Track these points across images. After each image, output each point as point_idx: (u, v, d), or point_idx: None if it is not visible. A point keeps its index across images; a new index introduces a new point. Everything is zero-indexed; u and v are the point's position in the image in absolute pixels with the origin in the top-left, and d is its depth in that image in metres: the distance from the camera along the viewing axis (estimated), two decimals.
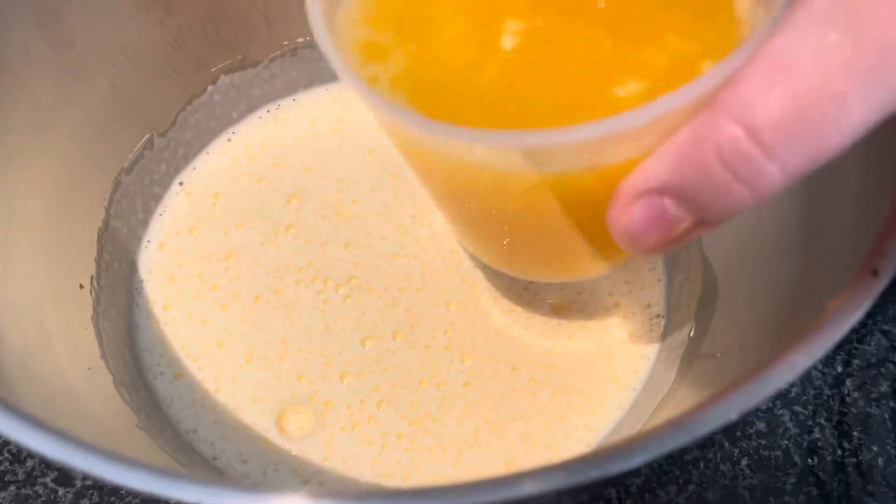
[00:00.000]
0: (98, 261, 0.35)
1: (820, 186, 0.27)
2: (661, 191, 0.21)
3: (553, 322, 0.37)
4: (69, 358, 0.30)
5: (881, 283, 0.19)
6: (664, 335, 0.35)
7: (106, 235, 0.36)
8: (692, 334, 0.34)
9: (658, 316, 0.35)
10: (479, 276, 0.38)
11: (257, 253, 0.39)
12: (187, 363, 0.35)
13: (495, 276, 0.38)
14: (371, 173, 0.42)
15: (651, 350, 0.35)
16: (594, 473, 0.18)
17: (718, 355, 0.30)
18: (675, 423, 0.18)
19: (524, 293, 0.37)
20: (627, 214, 0.22)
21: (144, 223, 0.39)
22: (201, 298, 0.38)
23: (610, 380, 0.34)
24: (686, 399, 0.29)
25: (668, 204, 0.21)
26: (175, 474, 0.18)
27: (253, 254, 0.39)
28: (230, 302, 0.38)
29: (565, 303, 0.37)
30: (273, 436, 0.34)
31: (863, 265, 0.19)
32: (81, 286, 0.34)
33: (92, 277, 0.34)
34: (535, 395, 0.34)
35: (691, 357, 0.32)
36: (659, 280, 0.37)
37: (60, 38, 0.34)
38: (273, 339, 0.37)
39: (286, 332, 0.37)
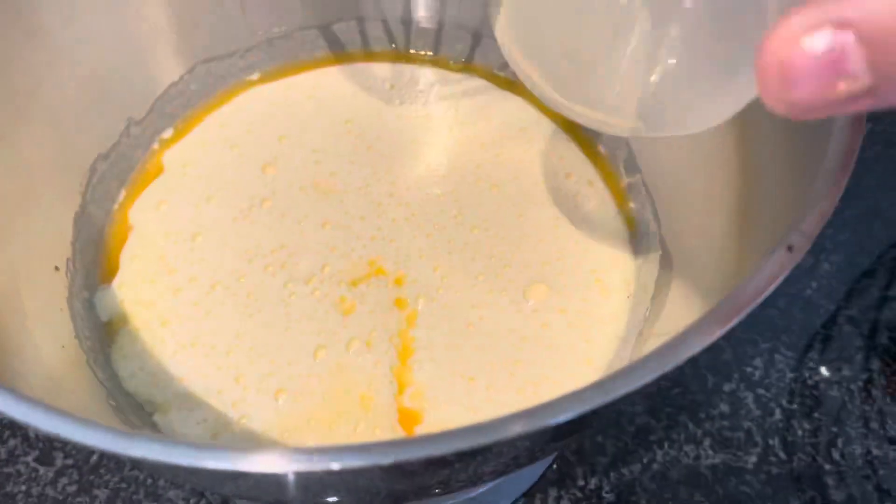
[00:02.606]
0: (73, 244, 0.36)
1: (755, 165, 0.29)
2: (853, 26, 0.17)
3: (529, 305, 0.36)
4: (44, 337, 0.31)
5: (795, 259, 0.20)
6: (631, 315, 0.35)
7: (82, 219, 0.37)
8: (647, 315, 0.35)
9: (629, 296, 0.36)
10: (453, 263, 0.38)
11: (228, 230, 0.39)
12: (136, 344, 0.35)
13: (470, 260, 0.38)
14: (348, 143, 0.42)
15: (623, 329, 0.35)
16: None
17: (668, 336, 0.31)
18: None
19: (497, 278, 0.37)
20: (792, 43, 0.17)
21: (119, 205, 0.40)
22: (157, 284, 0.37)
23: (586, 363, 0.35)
24: None
25: (853, 49, 0.17)
26: (162, 437, 0.19)
27: (223, 231, 0.39)
28: (185, 287, 0.37)
29: (543, 284, 0.37)
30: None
31: (780, 241, 0.21)
32: (57, 268, 0.35)
33: (67, 260, 0.35)
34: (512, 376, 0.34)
35: (646, 337, 0.33)
36: (632, 258, 0.38)
37: (36, 25, 0.35)
38: (226, 329, 0.36)
39: (241, 325, 0.36)
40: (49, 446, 0.42)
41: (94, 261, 0.37)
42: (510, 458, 0.26)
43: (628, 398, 0.19)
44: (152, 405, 0.34)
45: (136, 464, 0.25)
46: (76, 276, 0.35)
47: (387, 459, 0.19)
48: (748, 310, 0.20)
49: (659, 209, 0.37)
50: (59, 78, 0.36)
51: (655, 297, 0.35)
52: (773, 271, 0.20)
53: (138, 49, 0.40)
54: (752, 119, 0.30)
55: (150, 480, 0.41)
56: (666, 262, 0.35)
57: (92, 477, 0.42)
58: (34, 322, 0.31)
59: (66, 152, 0.37)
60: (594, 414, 0.20)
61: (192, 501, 0.41)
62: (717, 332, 0.19)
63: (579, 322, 0.36)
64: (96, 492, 0.41)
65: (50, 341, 0.32)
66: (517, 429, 0.19)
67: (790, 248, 0.20)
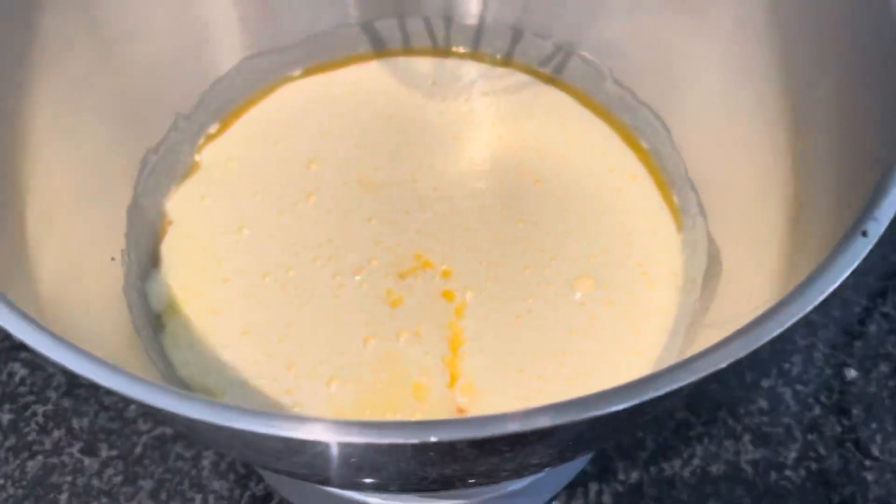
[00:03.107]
0: (128, 236, 0.36)
1: (809, 156, 0.29)
2: None
3: (576, 297, 0.37)
4: (105, 325, 0.31)
5: (868, 245, 0.20)
6: (680, 308, 0.36)
7: (135, 211, 0.37)
8: (696, 307, 0.35)
9: (676, 289, 0.36)
10: (500, 256, 0.38)
11: (274, 224, 0.39)
12: (189, 333, 0.36)
13: (517, 254, 0.38)
14: (390, 139, 0.42)
15: (671, 322, 0.36)
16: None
17: (720, 326, 0.31)
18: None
19: (544, 271, 0.38)
20: None
21: (168, 198, 0.40)
22: (205, 274, 0.37)
23: (635, 354, 0.35)
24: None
25: None
26: (210, 401, 0.19)
27: (269, 225, 0.39)
28: (233, 277, 0.37)
29: (589, 277, 0.37)
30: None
31: (854, 228, 0.21)
32: (113, 259, 0.35)
33: (122, 251, 0.36)
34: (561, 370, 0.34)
35: (696, 329, 0.33)
36: (678, 251, 0.38)
37: (91, 18, 0.35)
38: (277, 319, 0.36)
39: (291, 315, 0.36)
40: (93, 437, 0.43)
41: (146, 252, 0.38)
42: (557, 450, 0.26)
43: (707, 380, 0.19)
44: (207, 392, 0.34)
45: (194, 431, 0.25)
46: (131, 266, 0.36)
47: (448, 436, 0.19)
48: (825, 294, 0.20)
49: (704, 202, 0.38)
50: (112, 71, 0.36)
51: (704, 289, 0.35)
52: (848, 257, 0.20)
53: (188, 44, 0.40)
54: (806, 106, 0.31)
55: (194, 471, 0.42)
56: (714, 254, 0.35)
57: (137, 468, 0.42)
58: (96, 310, 0.31)
59: (118, 145, 0.37)
60: (667, 398, 0.20)
61: (236, 492, 0.41)
62: (796, 316, 0.20)
63: (627, 314, 0.36)
64: (141, 482, 0.42)
65: (111, 329, 0.32)
66: (572, 416, 0.19)
67: (864, 234, 0.20)
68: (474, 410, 0.34)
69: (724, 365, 0.19)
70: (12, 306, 0.21)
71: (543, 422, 0.19)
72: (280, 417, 0.19)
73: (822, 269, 0.20)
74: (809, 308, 0.20)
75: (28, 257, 0.29)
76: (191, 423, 0.21)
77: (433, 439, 0.19)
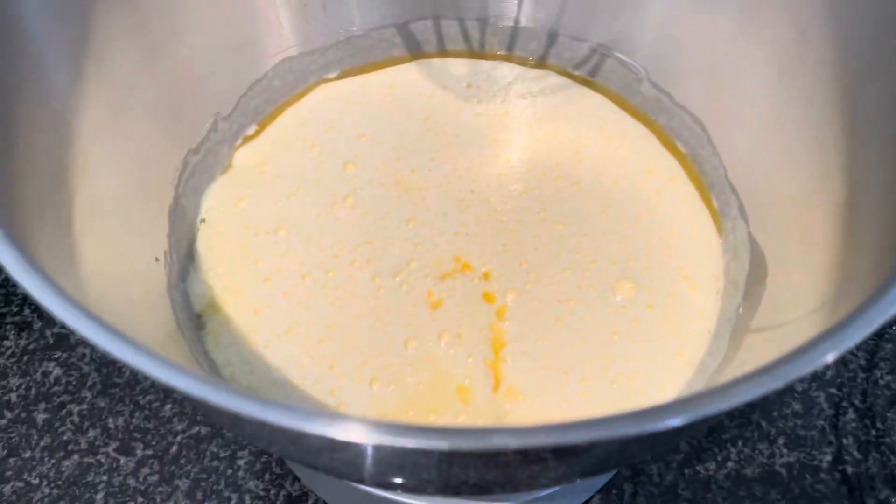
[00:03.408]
0: (170, 237, 0.36)
1: (860, 161, 0.29)
2: None
3: (617, 300, 0.37)
4: (151, 324, 0.31)
5: None
6: (722, 311, 0.36)
7: (176, 213, 0.37)
8: (741, 311, 0.35)
9: (718, 292, 0.36)
10: (539, 258, 0.38)
11: (312, 225, 0.39)
12: (230, 333, 0.36)
13: (556, 256, 0.38)
14: (427, 142, 0.42)
15: (713, 325, 0.36)
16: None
17: (768, 331, 0.31)
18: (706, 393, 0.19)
19: (584, 273, 0.38)
20: None
21: (207, 198, 0.40)
22: (243, 274, 0.38)
23: (677, 356, 0.35)
24: (737, 372, 0.30)
25: None
26: (255, 396, 0.19)
27: (307, 226, 0.39)
28: (274, 277, 0.38)
29: (629, 280, 0.37)
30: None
31: None
32: (157, 259, 0.35)
33: (165, 252, 0.36)
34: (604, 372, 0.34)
35: (741, 333, 0.33)
36: (719, 254, 0.38)
37: (135, 20, 0.35)
38: (317, 319, 0.36)
39: (332, 315, 0.36)
40: (129, 437, 0.43)
41: (187, 253, 0.38)
42: (603, 460, 0.26)
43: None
44: (251, 392, 0.34)
45: (235, 426, 0.25)
46: (173, 267, 0.36)
47: (512, 443, 0.18)
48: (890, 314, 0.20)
49: (746, 205, 0.38)
50: (155, 74, 0.37)
51: (748, 293, 0.35)
52: None
53: (228, 45, 0.40)
54: (857, 110, 0.31)
55: (230, 470, 0.42)
56: (758, 258, 0.35)
57: (173, 468, 0.42)
58: (142, 310, 0.32)
59: (161, 146, 0.37)
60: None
61: (272, 492, 0.41)
62: (875, 324, 0.19)
63: (669, 317, 0.36)
64: (177, 482, 0.42)
65: (157, 329, 0.32)
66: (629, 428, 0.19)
67: None
68: (518, 412, 0.34)
69: (781, 385, 0.19)
70: (84, 311, 0.21)
71: (596, 434, 0.19)
72: (322, 415, 0.19)
73: (887, 287, 0.20)
74: (881, 323, 0.19)
75: (75, 257, 0.29)
76: (237, 419, 0.21)
77: (495, 441, 0.18)
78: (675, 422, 0.18)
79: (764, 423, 0.44)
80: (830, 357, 0.19)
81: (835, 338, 0.20)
